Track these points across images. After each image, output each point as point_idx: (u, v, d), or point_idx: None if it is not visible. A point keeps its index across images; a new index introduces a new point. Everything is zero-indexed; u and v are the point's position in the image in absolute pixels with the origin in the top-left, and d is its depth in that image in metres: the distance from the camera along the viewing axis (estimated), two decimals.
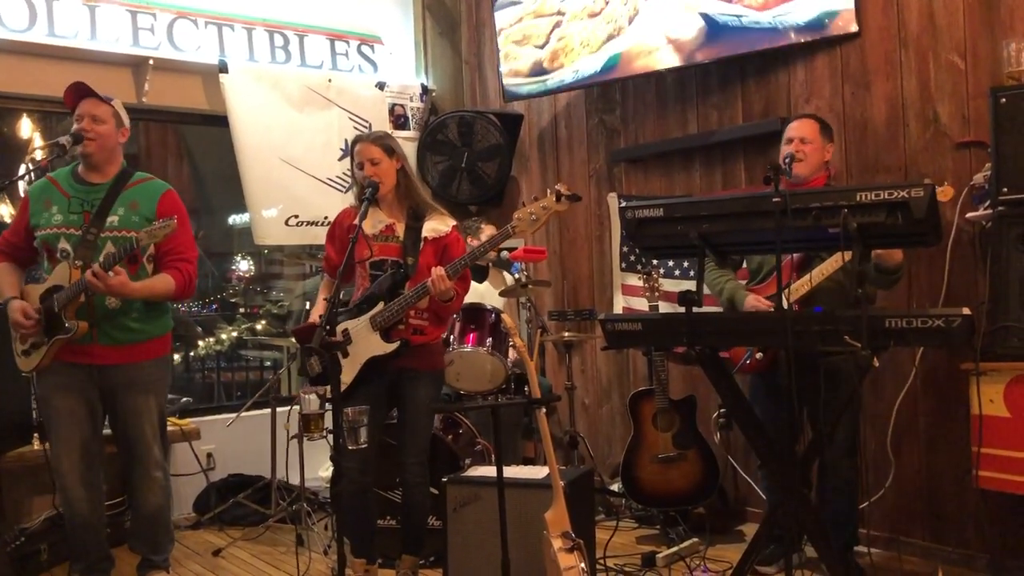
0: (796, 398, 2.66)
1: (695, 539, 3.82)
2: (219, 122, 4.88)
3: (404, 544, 3.38)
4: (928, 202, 2.52)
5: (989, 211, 3.07)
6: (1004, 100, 2.91)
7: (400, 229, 3.25)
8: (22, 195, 5.02)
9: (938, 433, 3.58)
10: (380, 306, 3.15)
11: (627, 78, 4.65)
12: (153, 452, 3.41)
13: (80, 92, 3.34)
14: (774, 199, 2.64)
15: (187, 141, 6.65)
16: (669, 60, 4.37)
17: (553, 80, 4.90)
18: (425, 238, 3.22)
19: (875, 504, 3.69)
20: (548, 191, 3.00)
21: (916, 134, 3.63)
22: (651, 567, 3.58)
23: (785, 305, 2.72)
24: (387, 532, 3.65)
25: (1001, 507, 3.23)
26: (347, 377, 3.12)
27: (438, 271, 3.04)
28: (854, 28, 3.77)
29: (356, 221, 3.14)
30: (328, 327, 2.86)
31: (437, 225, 3.25)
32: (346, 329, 3.17)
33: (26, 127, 5.42)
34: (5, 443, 3.86)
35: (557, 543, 2.63)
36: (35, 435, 4.00)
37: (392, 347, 3.13)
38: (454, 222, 3.32)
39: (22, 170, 4.66)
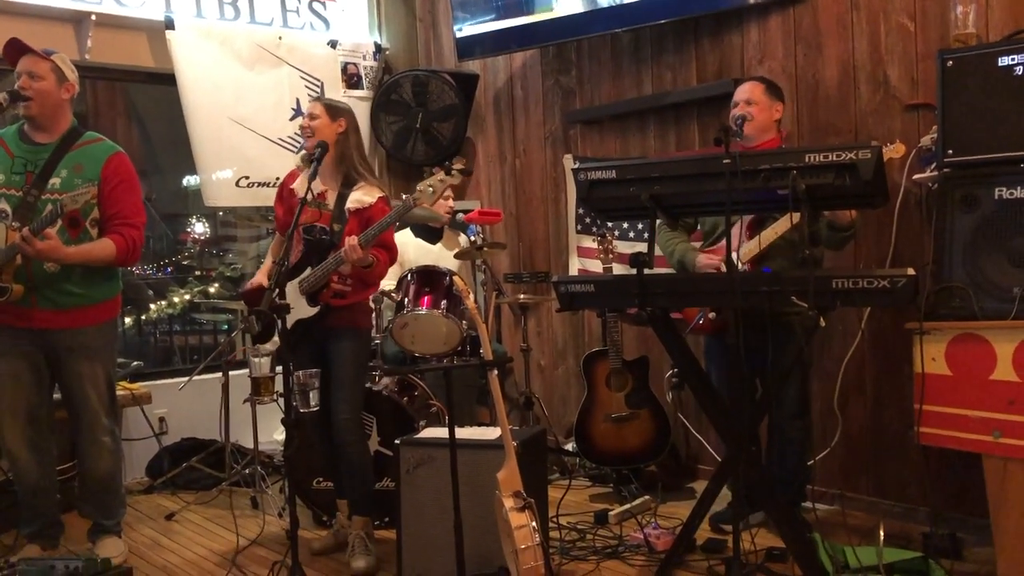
0: (745, 359, 2.70)
1: (647, 497, 3.88)
2: (167, 80, 4.76)
3: (351, 505, 3.41)
4: (875, 164, 2.55)
5: (935, 173, 3.11)
6: (951, 63, 2.93)
7: (331, 197, 3.33)
8: None
9: (884, 391, 3.66)
10: (307, 271, 3.26)
11: (583, 38, 4.62)
12: (100, 418, 3.37)
13: (17, 49, 3.24)
14: (724, 160, 2.65)
15: (135, 101, 6.48)
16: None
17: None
18: (348, 209, 3.29)
19: (822, 461, 3.77)
20: (443, 164, 3.19)
21: (867, 96, 3.65)
22: (603, 524, 3.63)
23: (738, 266, 2.74)
24: (324, 493, 3.70)
25: (941, 462, 3.32)
26: (279, 337, 3.15)
27: (351, 240, 3.14)
28: None
29: (298, 183, 3.31)
30: (277, 290, 2.88)
31: (362, 196, 3.32)
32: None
33: None
34: None
35: (509, 503, 2.65)
36: None
37: (314, 311, 3.26)
38: (381, 193, 3.37)
39: None
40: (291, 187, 3.41)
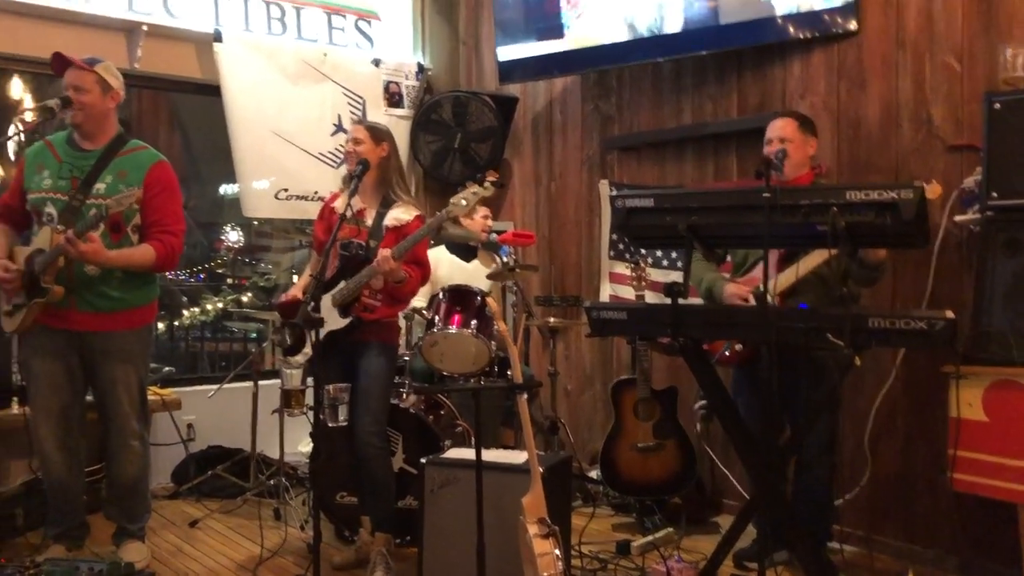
0: (777, 393, 2.67)
1: (670, 529, 3.84)
2: (212, 91, 4.84)
3: (374, 522, 3.41)
4: (917, 204, 2.53)
5: (978, 215, 3.08)
6: (998, 105, 2.91)
7: (370, 216, 3.40)
8: (12, 157, 5.00)
9: (916, 434, 3.60)
10: (341, 284, 3.30)
11: (624, 66, 4.64)
12: (131, 422, 3.41)
13: (62, 62, 3.31)
14: (764, 194, 2.64)
15: (179, 110, 6.60)
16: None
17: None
18: (386, 226, 3.36)
19: (850, 501, 3.71)
20: (477, 177, 3.24)
21: (909, 135, 3.63)
22: (625, 555, 3.59)
23: (769, 301, 2.72)
24: (348, 508, 3.69)
25: (974, 510, 3.25)
26: (309, 348, 3.22)
27: (384, 252, 3.19)
28: (853, 26, 3.77)
29: (339, 202, 3.34)
30: (313, 303, 2.91)
31: (400, 214, 3.39)
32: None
33: (17, 88, 5.36)
34: None
35: (533, 529, 2.63)
36: (14, 399, 3.98)
37: (345, 322, 3.30)
38: (418, 212, 3.44)
39: (11, 131, 4.61)
40: (332, 206, 3.47)
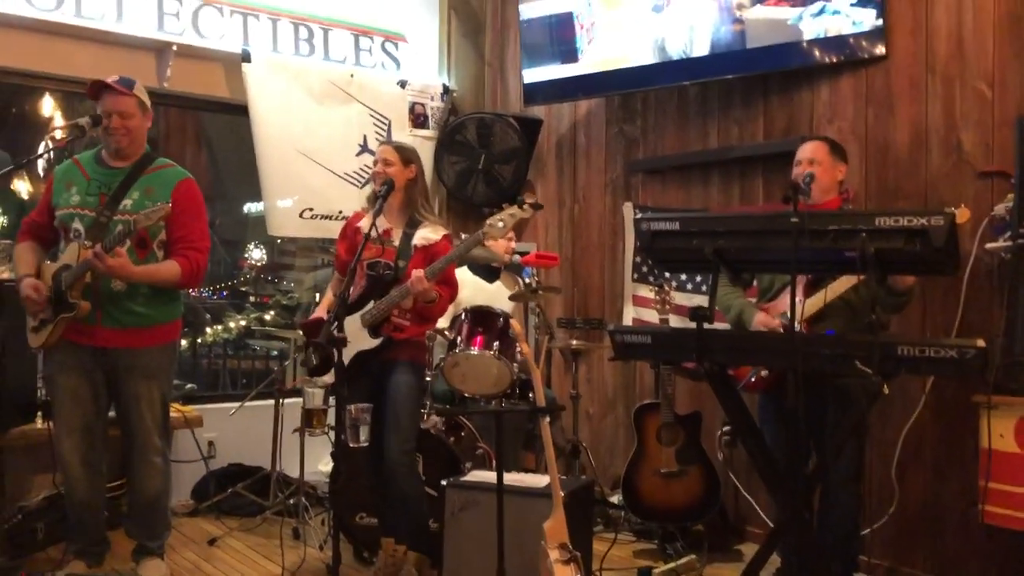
0: (804, 421, 2.63)
1: (692, 556, 3.78)
2: (239, 111, 4.88)
3: (410, 543, 3.35)
4: (947, 231, 2.49)
5: (1009, 243, 3.04)
6: None
7: (396, 235, 3.41)
8: (41, 174, 5.07)
9: (945, 464, 3.54)
10: (370, 304, 3.30)
11: (649, 90, 4.64)
12: (153, 438, 3.41)
13: (100, 88, 3.34)
14: (792, 219, 2.61)
15: (206, 128, 6.66)
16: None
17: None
18: (415, 245, 3.37)
19: (876, 532, 3.65)
20: (515, 200, 3.22)
21: (938, 161, 3.59)
22: None
23: (796, 327, 2.69)
24: (367, 529, 3.66)
25: (1006, 543, 3.19)
26: (335, 371, 3.18)
27: (417, 272, 3.18)
28: (881, 51, 3.74)
29: (364, 222, 3.34)
30: (336, 323, 2.90)
31: (428, 234, 3.40)
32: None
33: (48, 106, 5.44)
34: (8, 420, 3.85)
35: (554, 554, 2.61)
36: (38, 413, 4.00)
37: (375, 342, 3.29)
38: (446, 231, 3.46)
39: (41, 148, 4.67)
40: (356, 226, 3.47)
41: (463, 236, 3.30)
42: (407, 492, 3.34)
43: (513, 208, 3.15)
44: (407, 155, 3.44)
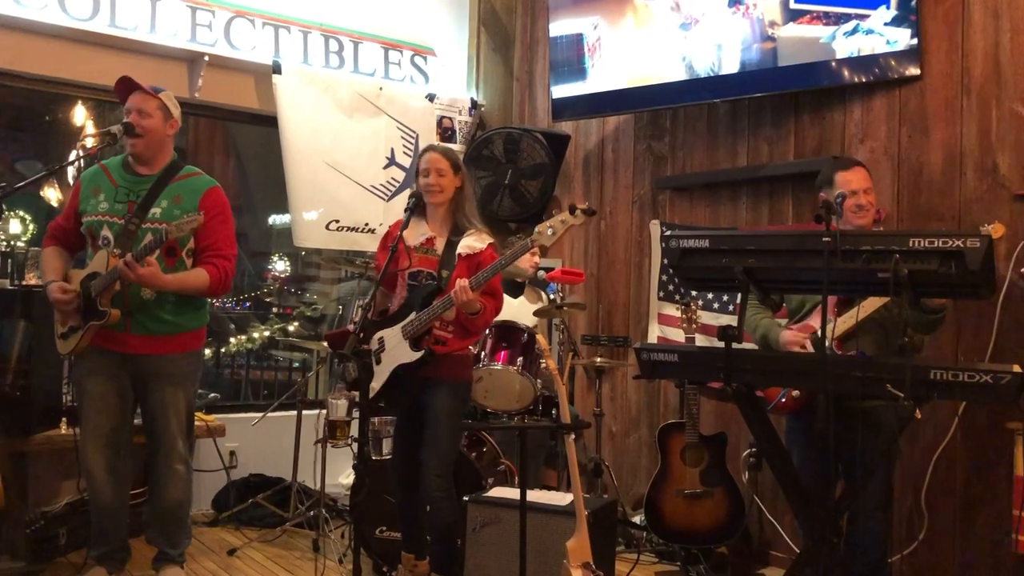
0: (833, 444, 2.58)
1: None
2: (268, 122, 4.91)
3: (435, 565, 3.27)
4: (984, 254, 2.44)
5: None
6: None
7: (440, 244, 3.28)
8: (71, 182, 5.12)
9: (975, 492, 3.47)
10: (412, 316, 3.17)
11: (679, 107, 4.62)
12: (178, 446, 3.41)
13: (128, 86, 3.37)
14: (824, 238, 2.58)
15: (235, 139, 6.71)
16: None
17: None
18: (459, 254, 3.23)
19: (906, 558, 3.58)
20: (566, 205, 3.08)
21: (973, 183, 3.54)
22: None
23: (827, 347, 2.65)
24: (387, 543, 3.63)
25: None
26: (377, 383, 3.15)
27: (461, 283, 3.04)
28: (915, 71, 3.70)
29: (406, 232, 3.24)
30: (361, 334, 2.87)
31: (473, 242, 3.25)
32: (382, 337, 3.19)
33: (80, 114, 5.49)
34: (34, 425, 3.88)
35: (577, 573, 2.58)
36: (64, 419, 4.02)
37: (417, 355, 3.13)
38: (491, 240, 3.31)
39: (72, 156, 4.72)
40: (395, 235, 3.33)
41: (510, 241, 3.20)
42: (443, 517, 3.16)
43: (564, 214, 3.00)
44: (455, 163, 3.31)
